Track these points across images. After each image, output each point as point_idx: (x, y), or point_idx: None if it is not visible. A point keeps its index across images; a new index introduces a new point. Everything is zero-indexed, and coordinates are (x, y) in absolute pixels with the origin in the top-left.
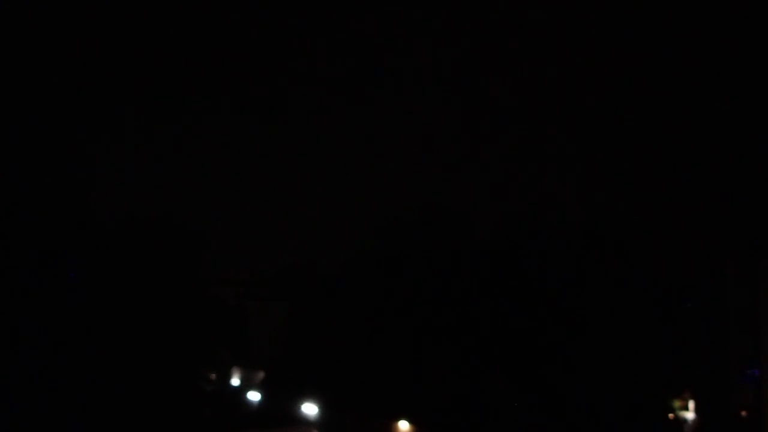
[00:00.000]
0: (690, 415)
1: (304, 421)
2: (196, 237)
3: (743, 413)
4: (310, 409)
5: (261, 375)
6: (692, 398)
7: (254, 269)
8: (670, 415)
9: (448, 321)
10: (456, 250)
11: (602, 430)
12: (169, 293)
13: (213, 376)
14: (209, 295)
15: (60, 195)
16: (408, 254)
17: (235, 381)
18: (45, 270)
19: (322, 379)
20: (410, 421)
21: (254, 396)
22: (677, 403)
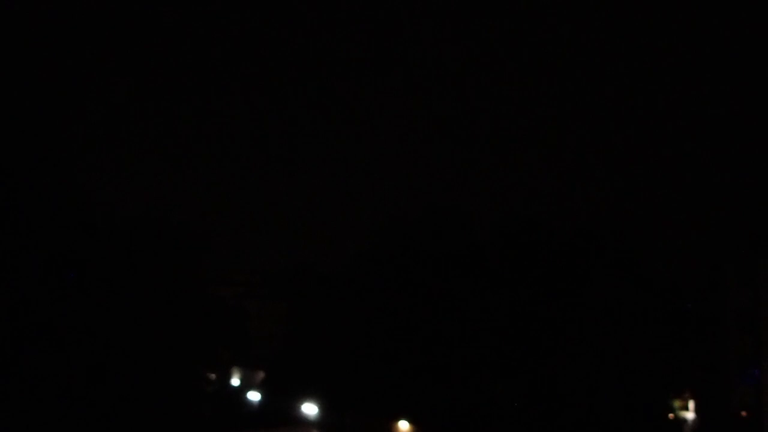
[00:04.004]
0: (690, 415)
1: (304, 421)
2: (196, 237)
3: (743, 413)
4: (310, 409)
5: (261, 375)
6: (692, 398)
7: (254, 269)
8: (670, 415)
9: (448, 321)
10: (456, 251)
11: (602, 430)
12: (169, 293)
13: (213, 376)
14: (209, 295)
15: (61, 195)
16: (408, 255)
17: (235, 381)
18: (45, 270)
19: (322, 378)
20: (410, 421)
21: (254, 396)
22: (677, 403)
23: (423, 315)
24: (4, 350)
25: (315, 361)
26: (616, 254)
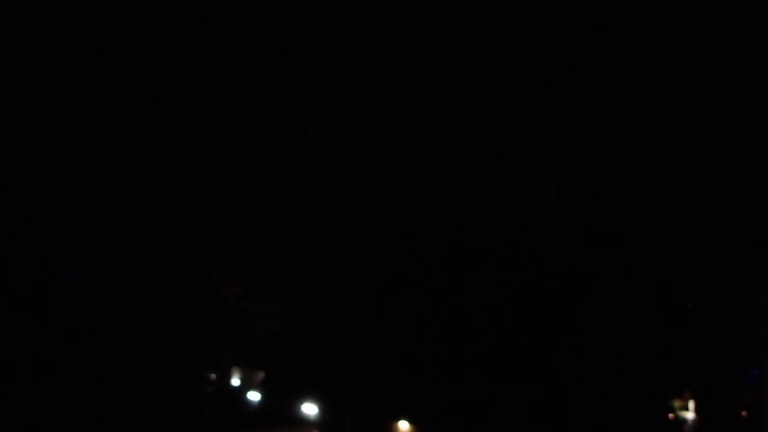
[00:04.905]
0: (690, 415)
1: (304, 421)
2: (196, 237)
3: (743, 413)
4: (310, 409)
5: (261, 375)
6: (692, 398)
7: (254, 269)
8: (670, 415)
9: (448, 321)
10: (456, 251)
11: (602, 430)
12: (170, 294)
13: (213, 376)
14: (209, 295)
15: (61, 196)
16: (408, 255)
17: (235, 381)
18: (45, 270)
19: (322, 379)
20: (410, 421)
21: (254, 396)
22: (677, 403)
23: (423, 315)
24: (5, 350)
25: (315, 362)
26: (617, 254)
